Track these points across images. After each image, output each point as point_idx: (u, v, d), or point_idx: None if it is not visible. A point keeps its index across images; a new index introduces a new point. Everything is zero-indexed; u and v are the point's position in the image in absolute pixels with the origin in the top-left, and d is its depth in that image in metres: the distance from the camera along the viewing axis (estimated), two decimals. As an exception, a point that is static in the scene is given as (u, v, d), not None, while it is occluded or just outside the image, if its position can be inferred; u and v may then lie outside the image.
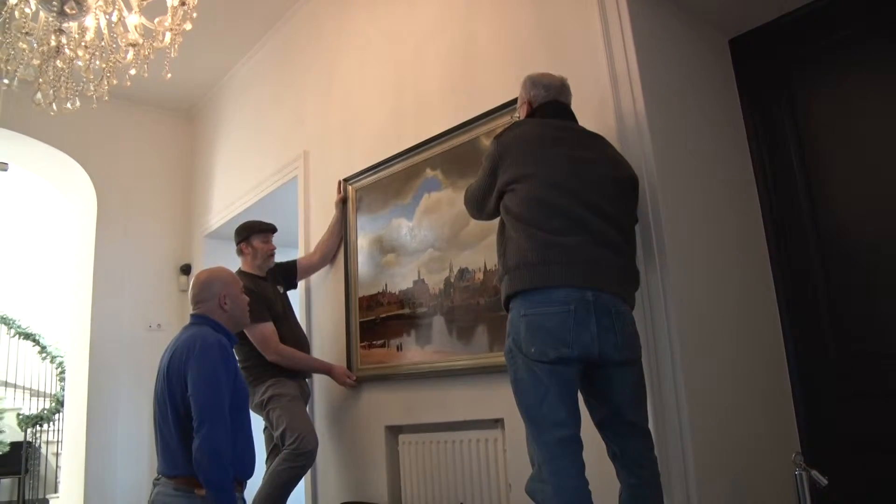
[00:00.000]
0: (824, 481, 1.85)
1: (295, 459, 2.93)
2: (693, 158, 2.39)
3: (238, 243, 3.41)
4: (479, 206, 2.15)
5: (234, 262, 5.01)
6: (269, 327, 3.12)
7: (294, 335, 3.30)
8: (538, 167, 1.93)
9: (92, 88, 2.55)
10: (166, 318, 5.07)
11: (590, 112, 2.30)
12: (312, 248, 3.70)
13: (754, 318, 2.45)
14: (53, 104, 2.50)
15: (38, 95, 2.44)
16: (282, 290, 3.45)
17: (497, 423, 2.58)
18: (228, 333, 2.35)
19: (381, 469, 3.03)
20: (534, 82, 2.16)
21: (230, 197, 4.75)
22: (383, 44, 3.46)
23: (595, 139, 2.09)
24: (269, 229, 3.42)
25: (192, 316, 2.35)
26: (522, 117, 2.19)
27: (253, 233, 3.39)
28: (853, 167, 2.45)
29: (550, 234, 1.83)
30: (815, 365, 2.44)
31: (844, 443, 2.32)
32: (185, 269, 5.18)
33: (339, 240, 3.54)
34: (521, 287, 1.84)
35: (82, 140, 5.01)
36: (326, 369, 3.27)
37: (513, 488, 2.45)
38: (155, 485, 2.25)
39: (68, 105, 2.54)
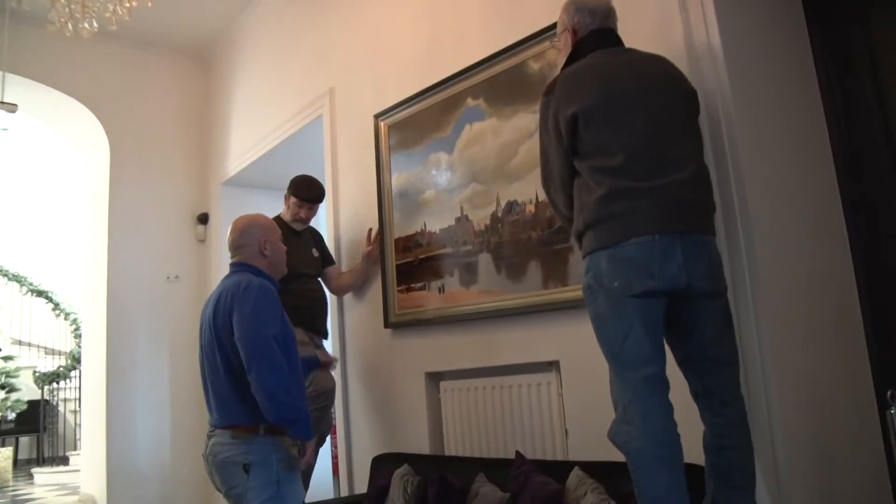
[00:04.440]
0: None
1: (314, 401, 2.87)
2: (763, 85, 2.15)
3: (286, 190, 3.36)
4: (558, 173, 1.85)
5: (253, 209, 4.85)
6: None
7: (301, 295, 3.09)
8: (606, 108, 1.73)
9: (110, 9, 2.30)
10: (184, 269, 4.91)
11: (650, 34, 2.07)
12: (337, 194, 3.59)
13: (826, 249, 2.23)
14: (69, 23, 2.27)
15: (52, 14, 2.21)
16: (315, 254, 3.32)
17: (551, 365, 2.40)
18: (271, 279, 2.27)
19: (422, 418, 2.88)
20: (577, 7, 1.94)
21: (249, 142, 4.54)
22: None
23: (651, 61, 1.87)
24: (307, 198, 3.28)
25: (232, 265, 2.27)
26: (564, 45, 1.98)
27: (294, 192, 3.30)
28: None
29: (632, 180, 1.66)
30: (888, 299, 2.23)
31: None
32: (203, 219, 5.00)
33: (361, 282, 3.34)
34: (604, 243, 1.67)
35: (93, 86, 4.79)
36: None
37: (570, 434, 2.28)
38: (210, 437, 2.16)
39: (85, 25, 2.31)
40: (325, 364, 2.78)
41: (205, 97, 5.23)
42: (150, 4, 2.63)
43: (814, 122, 2.25)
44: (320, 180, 3.73)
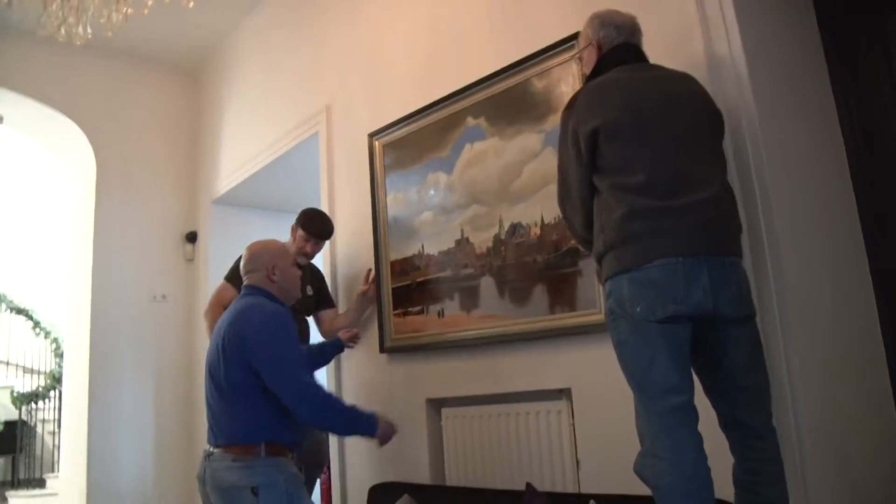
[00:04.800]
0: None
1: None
2: (786, 100, 2.10)
3: (295, 221, 3.19)
4: (576, 190, 1.79)
5: (243, 229, 4.77)
6: (227, 289, 3.03)
7: None
8: (629, 124, 1.68)
9: (105, 14, 2.23)
10: (171, 288, 4.78)
11: (670, 47, 2.03)
12: (334, 215, 3.46)
13: (847, 267, 2.18)
14: (62, 28, 2.19)
15: (45, 17, 2.13)
16: (309, 293, 3.16)
17: (562, 393, 2.33)
18: (282, 303, 2.32)
19: (422, 446, 2.78)
20: (603, 21, 1.90)
21: (240, 159, 4.45)
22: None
23: (678, 79, 1.83)
24: (316, 233, 3.13)
25: (245, 287, 2.33)
26: (587, 59, 1.93)
27: (303, 225, 3.12)
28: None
29: (654, 199, 1.60)
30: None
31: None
32: (191, 237, 4.88)
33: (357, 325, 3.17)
34: (626, 265, 1.61)
35: (81, 101, 4.68)
36: None
37: (582, 465, 2.20)
38: (207, 458, 2.14)
39: (79, 30, 2.23)
40: (351, 339, 2.95)
41: (195, 113, 5.14)
42: (146, 11, 2.53)
43: (831, 133, 2.22)
44: (316, 200, 3.66)
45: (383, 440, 2.27)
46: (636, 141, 1.65)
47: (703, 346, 1.62)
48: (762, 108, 1.90)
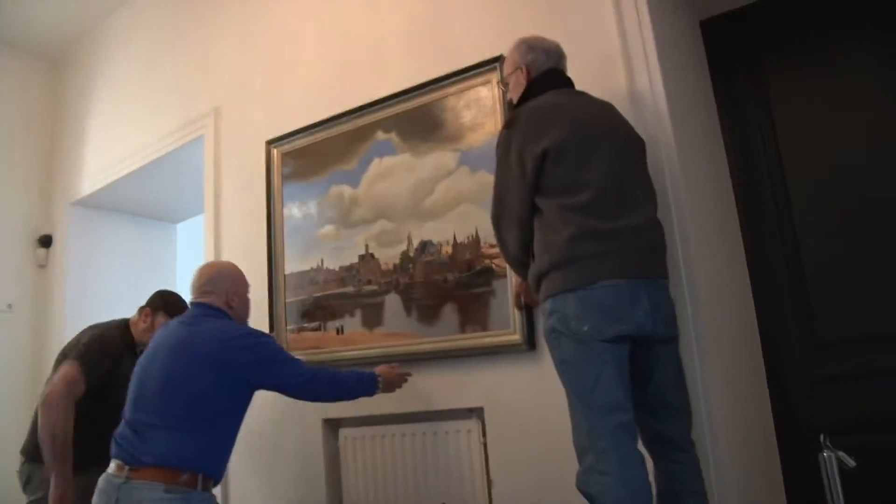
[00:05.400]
0: (852, 463, 1.77)
1: None
2: (694, 134, 2.26)
3: (146, 305, 2.78)
4: (515, 210, 1.77)
5: (106, 234, 4.38)
6: (81, 385, 2.44)
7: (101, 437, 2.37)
8: (576, 145, 1.71)
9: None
10: (20, 297, 4.28)
11: (594, 78, 2.11)
12: (220, 223, 3.27)
13: (739, 293, 2.37)
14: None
15: None
16: None
17: (472, 412, 2.31)
18: None
19: (319, 469, 2.66)
20: (530, 46, 1.95)
21: (109, 159, 4.09)
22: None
23: (606, 106, 1.91)
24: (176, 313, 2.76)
25: (200, 305, 2.22)
26: (514, 84, 1.97)
27: (164, 310, 2.74)
28: (822, 158, 2.42)
29: (599, 220, 1.64)
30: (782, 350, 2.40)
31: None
32: (45, 241, 4.41)
33: None
34: (572, 285, 1.62)
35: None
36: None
37: (495, 484, 2.19)
38: (115, 481, 1.90)
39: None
40: (394, 378, 2.34)
41: (53, 106, 4.68)
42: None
43: (721, 165, 2.43)
44: (196, 207, 3.44)
45: (389, 390, 2.28)
46: (582, 162, 1.68)
47: (633, 365, 1.67)
48: (679, 138, 2.01)
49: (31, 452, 2.54)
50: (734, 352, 2.13)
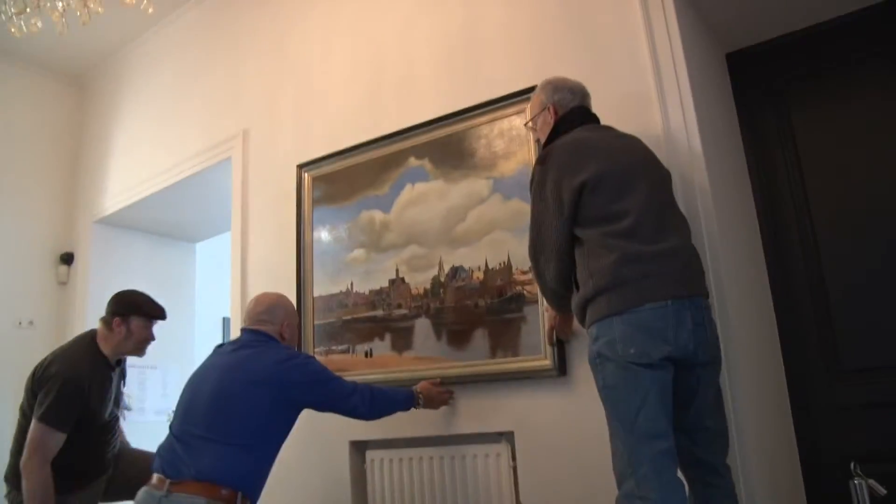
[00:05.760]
0: (883, 491, 1.80)
1: None
2: (725, 171, 2.32)
3: (112, 315, 2.66)
4: (554, 242, 1.81)
5: (127, 253, 4.42)
6: (57, 439, 2.43)
7: (87, 457, 2.61)
8: (614, 176, 1.77)
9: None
10: (41, 313, 4.32)
11: (629, 113, 2.18)
12: (247, 245, 3.32)
13: (766, 330, 2.42)
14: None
15: None
16: (123, 388, 2.85)
17: (502, 436, 2.34)
18: None
19: (345, 491, 2.68)
20: (556, 87, 2.04)
21: (134, 178, 4.15)
22: (357, 11, 3.15)
23: (633, 139, 1.97)
24: (158, 316, 2.74)
25: (255, 331, 2.30)
26: (542, 124, 2.04)
27: (137, 313, 2.67)
28: (846, 186, 2.48)
29: (642, 244, 1.69)
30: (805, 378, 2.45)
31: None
32: (67, 259, 4.46)
33: None
34: (618, 308, 1.66)
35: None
36: None
37: (525, 509, 2.22)
38: (155, 494, 1.92)
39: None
40: (435, 394, 2.42)
41: (79, 125, 4.76)
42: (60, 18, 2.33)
43: (747, 195, 2.53)
44: (222, 227, 3.48)
45: (431, 405, 2.39)
46: (619, 192, 1.74)
47: (673, 388, 1.70)
48: (712, 177, 2.07)
49: (13, 479, 2.53)
50: (762, 379, 2.17)
